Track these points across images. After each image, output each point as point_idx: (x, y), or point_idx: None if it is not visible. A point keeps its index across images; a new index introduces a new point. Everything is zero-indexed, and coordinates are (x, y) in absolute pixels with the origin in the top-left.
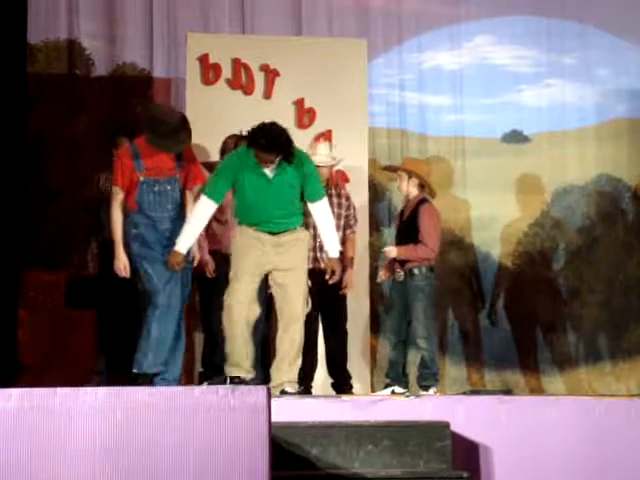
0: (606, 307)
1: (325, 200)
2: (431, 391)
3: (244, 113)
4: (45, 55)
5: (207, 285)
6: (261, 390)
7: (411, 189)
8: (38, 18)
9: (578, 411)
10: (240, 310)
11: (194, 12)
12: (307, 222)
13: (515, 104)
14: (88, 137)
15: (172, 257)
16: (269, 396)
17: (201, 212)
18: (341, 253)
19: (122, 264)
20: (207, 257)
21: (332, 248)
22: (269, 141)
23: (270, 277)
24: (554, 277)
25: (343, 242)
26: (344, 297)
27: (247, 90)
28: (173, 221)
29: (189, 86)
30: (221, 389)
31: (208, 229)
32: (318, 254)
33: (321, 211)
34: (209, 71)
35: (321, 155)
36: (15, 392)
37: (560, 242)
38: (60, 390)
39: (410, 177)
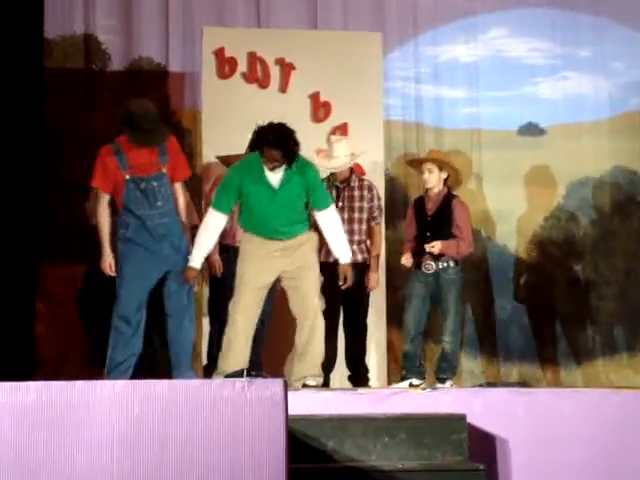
0: (622, 299)
1: (332, 208)
2: (448, 384)
3: (259, 107)
4: (62, 50)
5: (216, 282)
6: (278, 383)
7: (440, 182)
8: (55, 13)
9: (595, 403)
10: (244, 323)
11: (210, 6)
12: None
13: (531, 97)
14: (104, 131)
15: (186, 272)
16: (286, 389)
17: (211, 225)
18: (362, 243)
19: (108, 263)
20: (216, 256)
21: (343, 255)
22: (277, 137)
23: (281, 279)
24: (570, 269)
25: (368, 235)
26: (367, 292)
27: (263, 84)
28: (164, 215)
29: (205, 80)
30: (238, 382)
31: None
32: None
33: (328, 219)
34: (224, 65)
35: (339, 158)
36: (34, 385)
37: (576, 234)
38: (78, 383)
39: (441, 169)
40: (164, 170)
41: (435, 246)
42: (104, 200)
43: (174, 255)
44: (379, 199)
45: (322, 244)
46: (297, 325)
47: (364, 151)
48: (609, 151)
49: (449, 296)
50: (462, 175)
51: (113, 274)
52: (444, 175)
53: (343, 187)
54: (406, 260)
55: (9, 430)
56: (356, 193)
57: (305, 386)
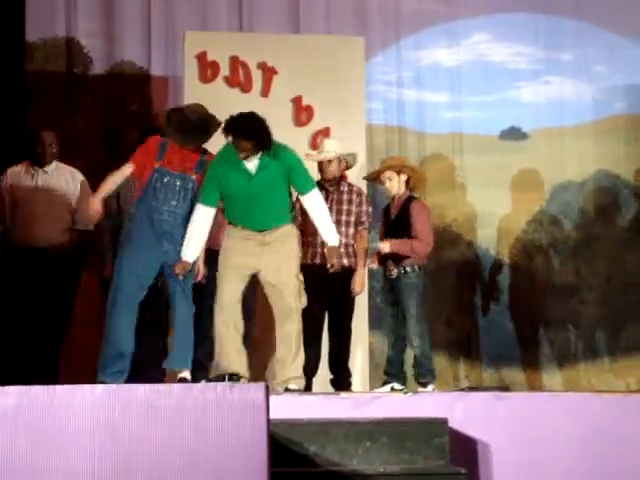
0: (604, 304)
1: (316, 191)
2: (429, 388)
3: (242, 111)
4: (43, 53)
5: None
6: (259, 387)
7: (402, 186)
8: (36, 16)
9: (576, 407)
10: (228, 313)
11: (192, 10)
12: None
13: (513, 101)
14: (86, 134)
15: (179, 265)
16: (267, 393)
17: (199, 219)
18: (350, 247)
19: (95, 208)
20: (200, 262)
21: (330, 237)
22: (245, 128)
23: (260, 276)
24: (552, 273)
25: (355, 239)
26: (352, 296)
27: (245, 88)
28: (174, 216)
29: (187, 84)
30: (220, 386)
31: None
32: (326, 250)
33: (313, 202)
34: (207, 69)
35: (329, 152)
36: (14, 389)
37: (558, 238)
38: (59, 387)
39: (400, 173)
40: (194, 177)
41: (385, 246)
42: (125, 173)
43: (173, 252)
44: (368, 205)
45: (306, 246)
46: (276, 327)
47: (354, 152)
48: (592, 155)
49: (409, 300)
50: (423, 175)
51: (96, 219)
52: (404, 178)
53: (332, 190)
54: (370, 265)
55: None
56: (345, 197)
57: (287, 390)
